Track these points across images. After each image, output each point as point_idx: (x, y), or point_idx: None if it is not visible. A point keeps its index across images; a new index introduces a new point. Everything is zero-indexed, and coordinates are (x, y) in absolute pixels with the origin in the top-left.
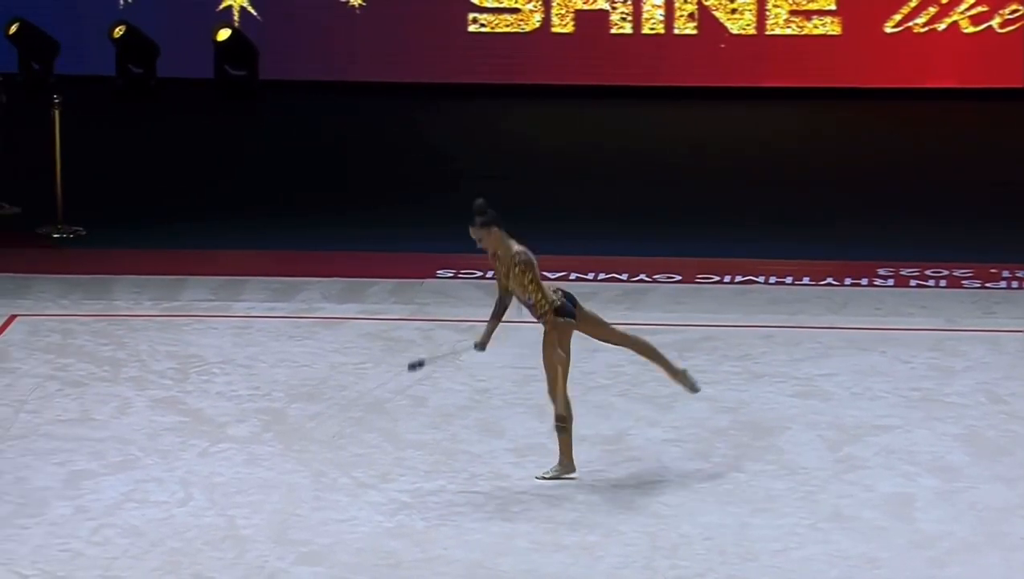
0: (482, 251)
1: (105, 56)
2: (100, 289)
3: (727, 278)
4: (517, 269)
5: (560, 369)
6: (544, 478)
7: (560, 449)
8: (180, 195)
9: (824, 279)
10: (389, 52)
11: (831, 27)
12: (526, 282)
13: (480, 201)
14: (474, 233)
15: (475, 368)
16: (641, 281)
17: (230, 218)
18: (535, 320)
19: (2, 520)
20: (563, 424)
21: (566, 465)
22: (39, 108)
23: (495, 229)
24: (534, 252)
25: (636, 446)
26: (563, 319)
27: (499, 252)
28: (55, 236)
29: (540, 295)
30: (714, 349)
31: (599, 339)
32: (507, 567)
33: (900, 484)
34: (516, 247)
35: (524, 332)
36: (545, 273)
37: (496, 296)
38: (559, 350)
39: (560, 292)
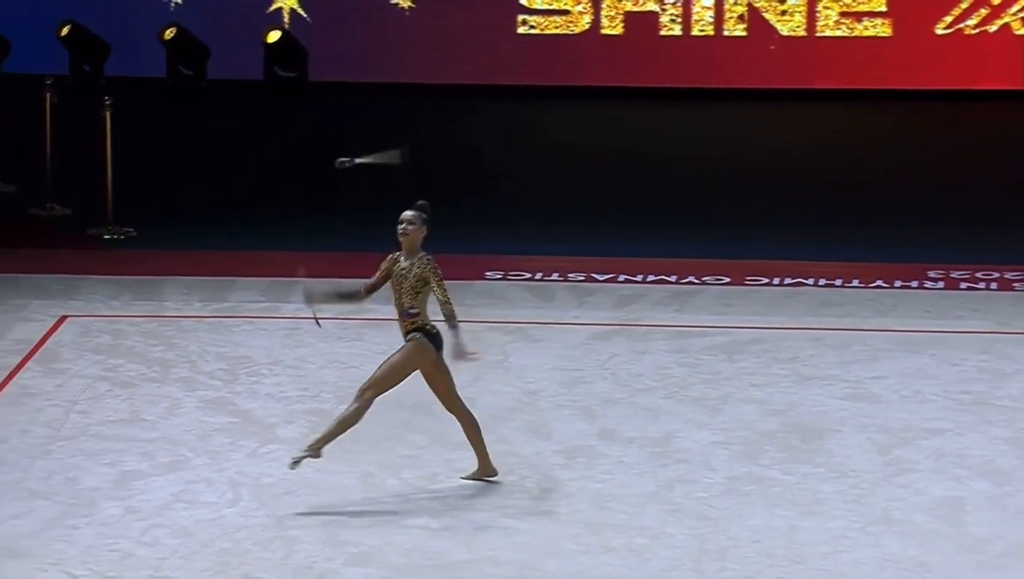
0: (397, 243)
1: (156, 58)
2: (150, 290)
3: (776, 280)
4: (430, 269)
5: (389, 380)
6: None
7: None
8: (229, 196)
9: (874, 281)
10: (438, 54)
11: (881, 29)
12: (436, 281)
13: (425, 202)
14: (409, 222)
15: (523, 370)
16: (690, 283)
17: (279, 219)
18: (403, 332)
19: (53, 520)
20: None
21: (315, 446)
22: (90, 110)
23: (424, 229)
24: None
25: (684, 448)
26: (428, 343)
27: (411, 253)
28: (106, 237)
29: (445, 295)
30: (763, 351)
31: (435, 392)
32: (554, 569)
33: (950, 487)
34: (427, 254)
35: (572, 334)
36: (594, 275)
37: (361, 287)
38: (401, 366)
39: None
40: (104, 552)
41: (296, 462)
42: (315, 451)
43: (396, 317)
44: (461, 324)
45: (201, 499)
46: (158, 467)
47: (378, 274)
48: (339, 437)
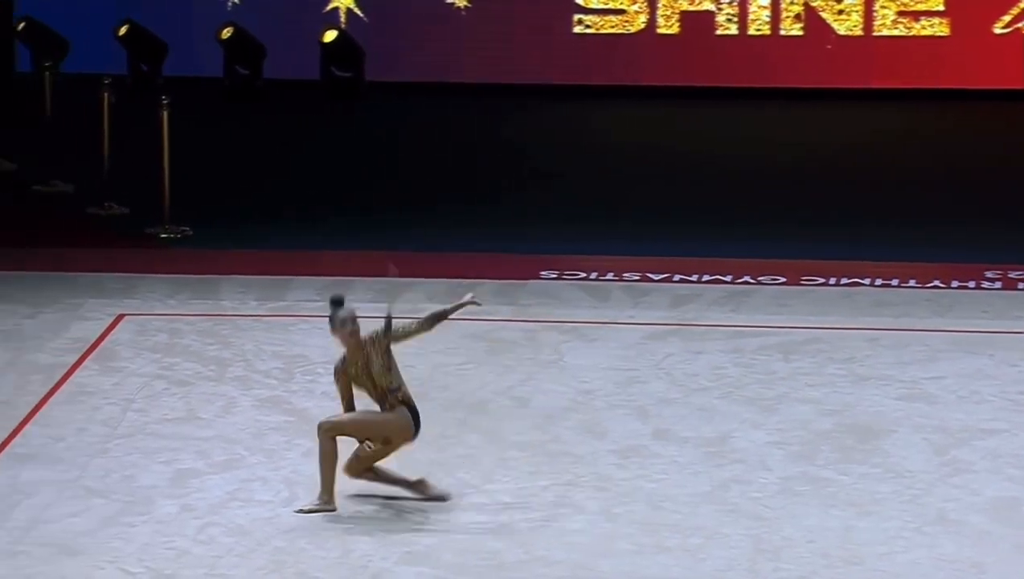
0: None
1: (213, 57)
2: (207, 289)
3: (832, 280)
4: (383, 338)
5: (358, 430)
6: (304, 511)
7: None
8: (285, 196)
9: (931, 281)
10: (494, 53)
11: (939, 28)
12: (399, 337)
13: (339, 295)
14: (353, 316)
15: (578, 370)
16: (746, 283)
17: (335, 218)
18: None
19: (110, 518)
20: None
21: (326, 499)
22: (147, 109)
23: (358, 324)
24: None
25: (739, 448)
26: (411, 422)
27: (356, 348)
28: (163, 236)
29: (414, 327)
30: (819, 351)
31: (380, 445)
32: (608, 569)
33: (1006, 488)
34: (371, 334)
35: (627, 334)
36: (649, 274)
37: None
38: (379, 427)
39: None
40: (160, 550)
41: (306, 511)
42: (328, 504)
43: (379, 391)
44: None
45: (256, 498)
46: (214, 465)
47: (343, 394)
48: (334, 476)
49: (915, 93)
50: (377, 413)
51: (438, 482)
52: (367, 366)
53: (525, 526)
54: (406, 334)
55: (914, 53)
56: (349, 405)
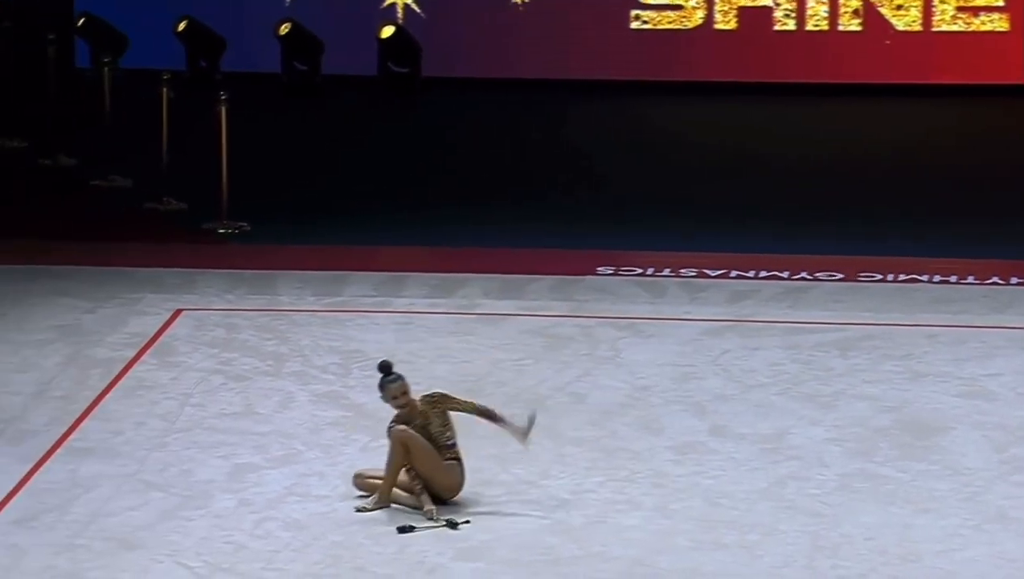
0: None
1: (271, 53)
2: (264, 284)
3: (890, 276)
4: (440, 401)
5: (416, 460)
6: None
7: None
8: (343, 191)
9: (989, 278)
10: (551, 49)
11: (999, 23)
12: (455, 406)
13: (384, 361)
14: (402, 386)
15: (635, 366)
16: (803, 279)
17: (391, 214)
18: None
19: (168, 512)
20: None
21: (383, 500)
22: (206, 105)
23: (408, 393)
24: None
25: (797, 445)
26: (461, 472)
27: (414, 408)
28: (220, 232)
29: (472, 406)
30: (876, 348)
31: (413, 469)
32: (666, 565)
33: None
34: (421, 396)
35: (684, 329)
36: (706, 270)
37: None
38: (433, 468)
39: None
40: (218, 544)
41: (368, 510)
42: (383, 503)
43: (435, 447)
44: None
45: (314, 493)
46: (271, 460)
47: (399, 459)
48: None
49: (974, 89)
50: (443, 463)
51: (494, 476)
52: (425, 427)
53: (581, 522)
54: (461, 407)
55: (973, 48)
56: (399, 464)
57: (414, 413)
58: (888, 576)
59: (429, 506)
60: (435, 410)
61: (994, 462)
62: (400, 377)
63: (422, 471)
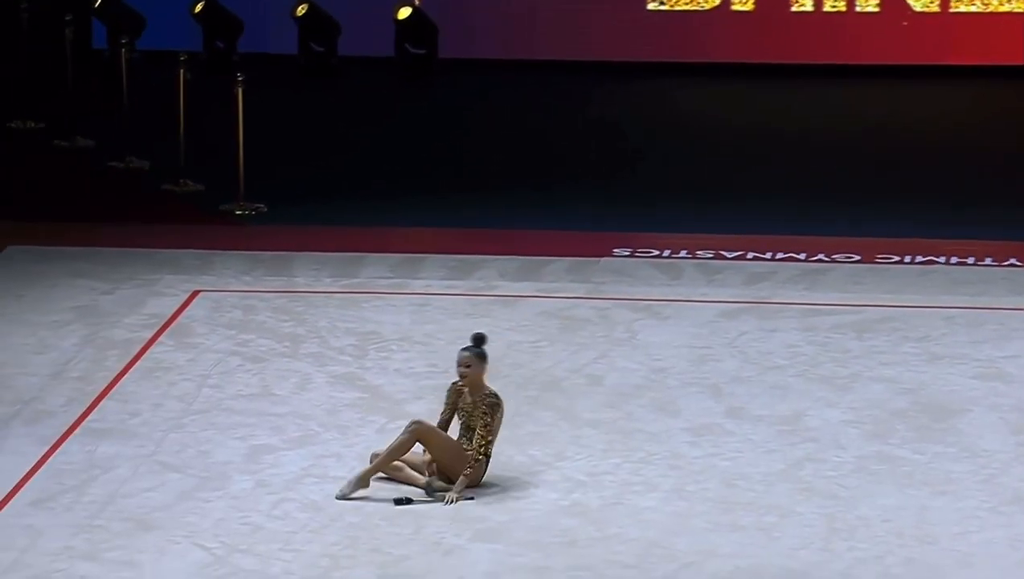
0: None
1: (287, 35)
2: (281, 266)
3: (907, 258)
4: (488, 411)
5: (437, 444)
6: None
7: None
8: (359, 173)
9: (1007, 260)
10: (568, 30)
11: (1016, 4)
12: (482, 424)
13: (482, 333)
14: (466, 365)
15: (651, 348)
16: (820, 261)
17: (408, 196)
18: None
19: (186, 493)
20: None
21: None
22: (223, 86)
23: (484, 364)
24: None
25: (814, 427)
26: (483, 469)
27: (475, 389)
28: (237, 213)
29: (485, 440)
30: (894, 330)
31: (430, 451)
32: (683, 547)
33: None
34: (490, 388)
35: (701, 311)
36: (723, 252)
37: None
38: (454, 452)
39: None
40: (235, 525)
41: (343, 497)
42: (361, 484)
43: (468, 429)
44: (488, 451)
45: (331, 474)
46: (288, 442)
47: (446, 407)
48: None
49: (992, 70)
50: (463, 453)
51: (510, 458)
52: (472, 411)
53: (598, 503)
54: (482, 428)
55: (991, 29)
56: (444, 423)
57: (471, 390)
58: (904, 558)
59: (434, 482)
60: (480, 410)
61: (1011, 444)
62: (473, 351)
63: (440, 461)
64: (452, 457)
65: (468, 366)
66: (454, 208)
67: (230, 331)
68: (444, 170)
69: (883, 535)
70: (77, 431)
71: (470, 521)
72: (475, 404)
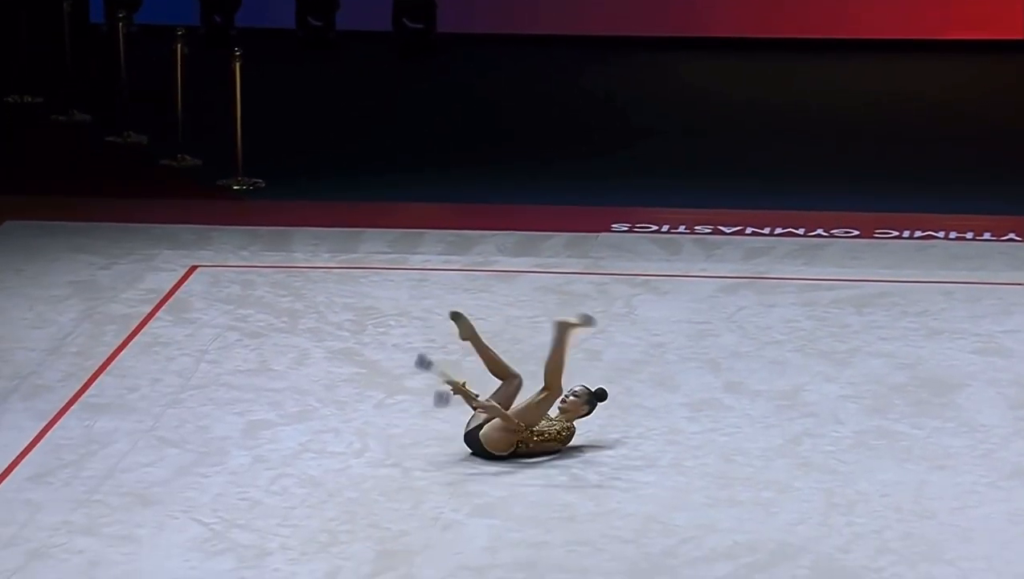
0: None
1: (285, 9)
2: (279, 241)
3: (906, 233)
4: (560, 438)
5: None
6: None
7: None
8: (357, 147)
9: (1006, 234)
10: (568, 4)
11: None
12: (542, 439)
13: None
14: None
15: (650, 323)
16: (818, 236)
17: (406, 170)
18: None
19: (184, 468)
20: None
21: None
22: (220, 61)
23: (584, 409)
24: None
25: (812, 402)
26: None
27: (566, 414)
28: (235, 188)
29: (531, 431)
30: (892, 305)
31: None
32: (681, 522)
33: None
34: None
35: (700, 285)
36: (721, 227)
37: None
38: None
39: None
40: (233, 500)
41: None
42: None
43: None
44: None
45: (329, 449)
46: (286, 417)
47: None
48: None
49: (993, 44)
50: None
51: None
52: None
53: (596, 479)
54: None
55: (992, 3)
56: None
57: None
58: (903, 533)
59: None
60: (557, 427)
61: (1010, 419)
62: (590, 399)
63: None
64: (522, 408)
65: (572, 410)
66: (452, 183)
67: (228, 306)
68: (442, 145)
69: (881, 510)
70: (75, 406)
71: (468, 496)
72: (556, 421)
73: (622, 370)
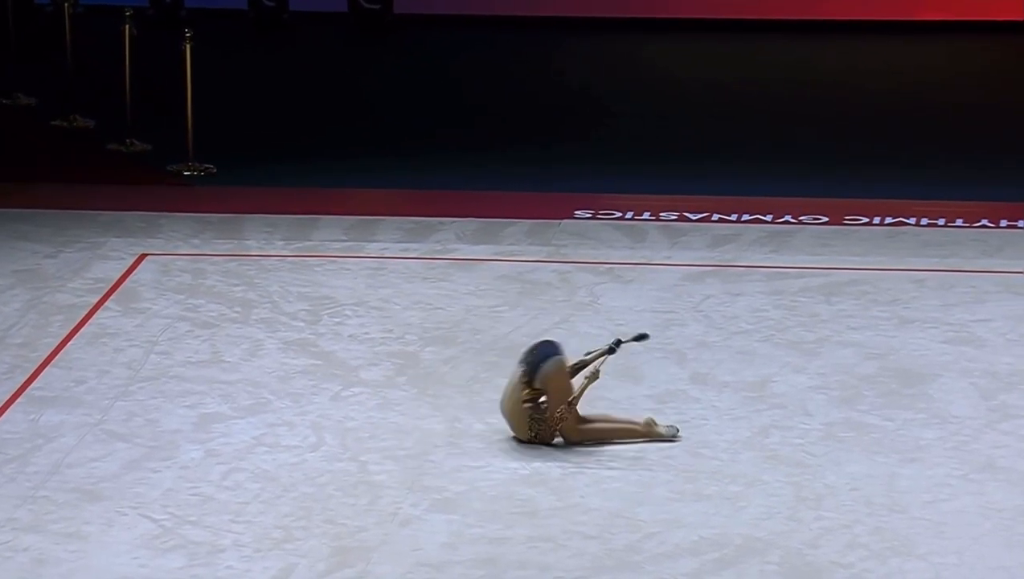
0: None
1: None
2: (231, 228)
3: (876, 220)
4: (556, 428)
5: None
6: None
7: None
8: (312, 132)
9: (978, 221)
10: None
11: None
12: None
13: (545, 348)
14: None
15: (614, 312)
16: (787, 222)
17: (363, 156)
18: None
19: (133, 463)
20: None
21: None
22: (170, 43)
23: (554, 377)
24: None
25: (780, 393)
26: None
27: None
28: (186, 174)
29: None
30: (862, 293)
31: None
32: (646, 516)
33: None
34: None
35: (664, 274)
36: (687, 214)
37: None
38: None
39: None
40: (184, 496)
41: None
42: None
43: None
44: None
45: (283, 443)
46: (239, 410)
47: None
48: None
49: (962, 25)
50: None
51: (468, 426)
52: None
53: (559, 473)
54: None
55: None
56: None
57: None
58: (873, 527)
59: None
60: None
61: (982, 410)
62: (529, 377)
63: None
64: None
65: (541, 394)
66: (410, 169)
67: (178, 296)
68: (400, 130)
69: (851, 504)
70: (20, 399)
71: (427, 491)
72: (547, 425)
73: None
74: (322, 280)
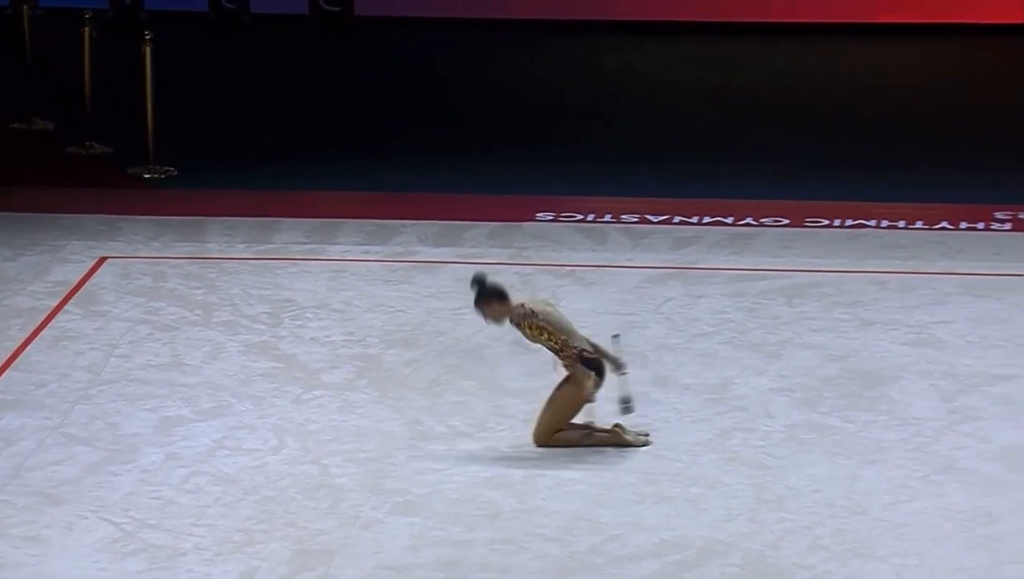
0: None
1: None
2: (192, 231)
3: (837, 222)
4: (524, 326)
5: (567, 412)
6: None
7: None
8: (273, 135)
9: (939, 223)
10: None
11: None
12: (536, 334)
13: (478, 276)
14: (481, 313)
15: (575, 314)
16: (748, 225)
17: (324, 159)
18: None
19: (93, 466)
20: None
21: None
22: (130, 45)
23: (497, 303)
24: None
25: (741, 395)
26: (585, 371)
27: (501, 323)
28: (146, 176)
29: (554, 346)
30: (823, 295)
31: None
32: (608, 519)
33: (1018, 436)
34: (516, 309)
35: (626, 277)
36: (648, 217)
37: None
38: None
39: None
40: (145, 499)
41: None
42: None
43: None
44: (567, 351)
45: (244, 446)
46: (200, 413)
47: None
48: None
49: (923, 28)
50: (561, 395)
51: (430, 429)
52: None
53: (521, 476)
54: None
55: None
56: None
57: (513, 325)
58: (834, 529)
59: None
60: (526, 333)
61: (942, 412)
62: (477, 303)
63: (573, 412)
64: (570, 402)
65: (486, 318)
66: (371, 171)
67: (139, 299)
68: (360, 132)
69: (812, 506)
70: None
71: (388, 494)
72: (521, 332)
73: (547, 363)
74: (283, 283)
